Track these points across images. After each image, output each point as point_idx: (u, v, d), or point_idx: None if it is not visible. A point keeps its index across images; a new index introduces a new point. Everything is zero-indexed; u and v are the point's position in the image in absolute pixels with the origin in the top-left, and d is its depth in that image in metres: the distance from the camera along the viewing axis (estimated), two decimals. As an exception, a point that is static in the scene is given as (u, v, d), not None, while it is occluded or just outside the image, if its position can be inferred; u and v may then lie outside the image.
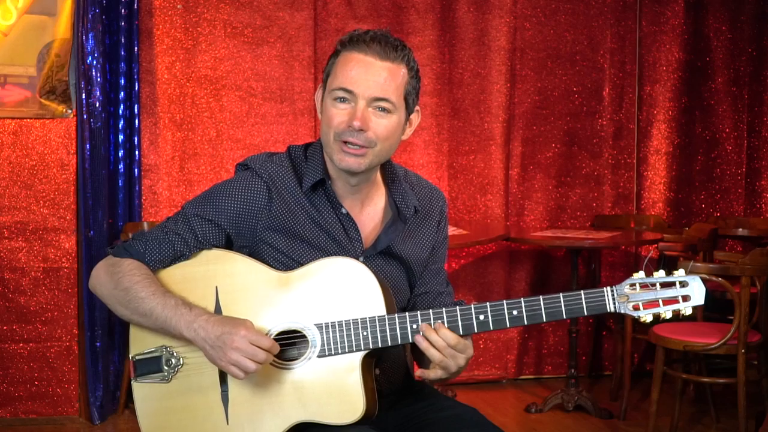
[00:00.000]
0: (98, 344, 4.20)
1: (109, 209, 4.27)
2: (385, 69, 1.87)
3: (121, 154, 4.33)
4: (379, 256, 1.98)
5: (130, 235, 2.01)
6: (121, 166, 4.34)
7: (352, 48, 1.89)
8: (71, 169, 4.17)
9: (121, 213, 4.34)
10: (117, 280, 1.89)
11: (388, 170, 2.04)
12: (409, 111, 1.95)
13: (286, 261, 1.92)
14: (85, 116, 4.13)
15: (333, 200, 1.96)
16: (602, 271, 5.08)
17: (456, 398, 4.45)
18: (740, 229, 4.98)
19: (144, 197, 4.43)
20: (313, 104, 4.54)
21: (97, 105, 4.17)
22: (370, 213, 2.02)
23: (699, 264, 3.66)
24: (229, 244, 1.95)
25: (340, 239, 1.95)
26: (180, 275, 1.92)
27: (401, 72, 1.90)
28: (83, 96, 4.11)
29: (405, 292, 2.05)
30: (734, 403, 3.70)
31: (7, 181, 4.15)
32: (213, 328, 1.80)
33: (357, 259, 1.93)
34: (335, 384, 1.82)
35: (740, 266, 3.54)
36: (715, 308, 4.36)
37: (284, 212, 1.93)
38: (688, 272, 1.80)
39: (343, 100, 1.88)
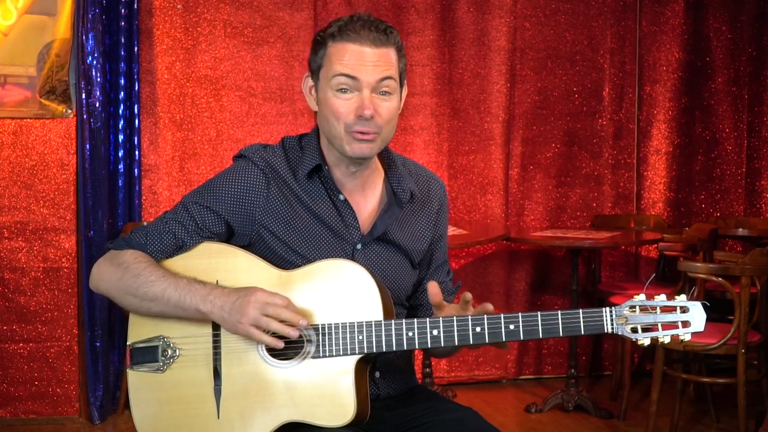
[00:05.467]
0: (98, 344, 4.20)
1: (109, 209, 4.27)
2: (380, 54, 1.87)
3: (121, 154, 4.33)
4: (377, 243, 1.97)
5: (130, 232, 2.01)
6: (121, 166, 4.33)
7: (343, 39, 1.87)
8: (71, 169, 4.17)
9: (121, 213, 4.34)
10: (123, 270, 1.89)
11: (385, 156, 2.04)
12: (401, 89, 1.96)
13: (285, 250, 1.92)
14: (85, 116, 4.13)
15: (330, 187, 1.96)
16: (602, 271, 5.08)
17: (456, 398, 4.47)
18: (740, 229, 4.97)
19: (144, 197, 4.43)
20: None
21: (97, 105, 4.17)
22: (370, 198, 2.01)
23: (698, 264, 3.66)
24: (230, 233, 1.95)
25: (336, 227, 1.94)
26: (182, 267, 1.91)
27: (393, 55, 1.91)
28: (83, 96, 4.11)
29: (407, 280, 2.04)
30: (734, 403, 3.69)
31: (7, 181, 4.15)
32: (228, 297, 1.81)
33: (354, 245, 1.94)
34: (328, 386, 1.82)
35: (740, 266, 3.54)
36: (715, 308, 4.35)
37: (281, 200, 1.94)
38: (690, 298, 1.78)
39: (345, 90, 1.87)
